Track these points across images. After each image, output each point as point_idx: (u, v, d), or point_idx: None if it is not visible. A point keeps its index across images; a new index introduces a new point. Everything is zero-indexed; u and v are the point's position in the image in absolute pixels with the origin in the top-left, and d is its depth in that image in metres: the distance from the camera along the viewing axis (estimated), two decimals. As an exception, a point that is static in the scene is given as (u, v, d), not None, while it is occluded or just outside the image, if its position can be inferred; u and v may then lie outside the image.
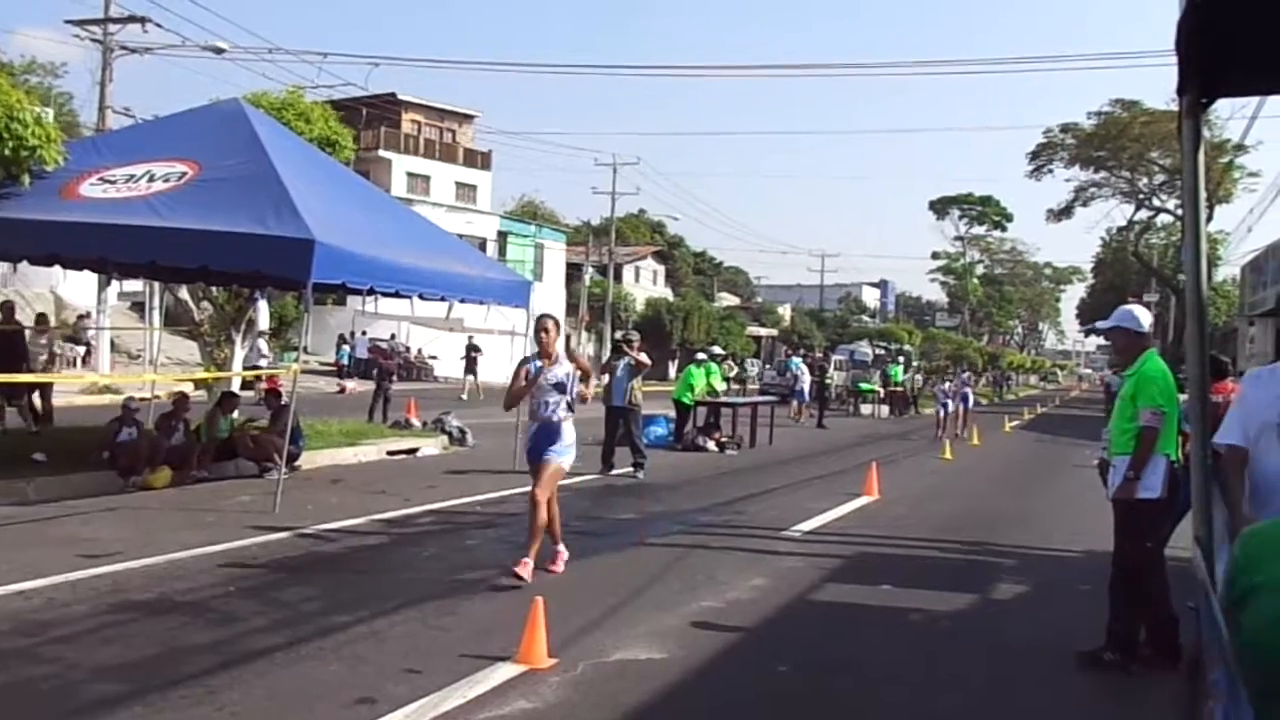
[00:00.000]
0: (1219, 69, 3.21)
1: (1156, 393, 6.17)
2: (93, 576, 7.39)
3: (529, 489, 8.12)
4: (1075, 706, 5.93)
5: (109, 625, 6.30)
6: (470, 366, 33.51)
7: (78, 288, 30.47)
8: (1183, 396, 6.12)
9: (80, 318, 31.14)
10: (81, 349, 30.75)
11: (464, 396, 30.37)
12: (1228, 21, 2.95)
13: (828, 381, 33.87)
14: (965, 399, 28.36)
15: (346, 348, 36.21)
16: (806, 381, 32.65)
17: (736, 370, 43.16)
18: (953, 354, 73.07)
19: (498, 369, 40.74)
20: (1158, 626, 6.30)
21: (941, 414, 27.54)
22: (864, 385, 40.25)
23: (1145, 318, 6.52)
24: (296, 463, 12.95)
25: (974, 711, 5.71)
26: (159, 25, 29.86)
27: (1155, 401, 6.15)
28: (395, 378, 21.61)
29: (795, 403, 31.58)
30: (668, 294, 69.67)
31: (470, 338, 34.61)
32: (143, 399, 13.31)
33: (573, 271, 59.45)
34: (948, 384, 29.61)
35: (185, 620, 6.49)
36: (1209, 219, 43.53)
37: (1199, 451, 3.70)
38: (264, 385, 15.29)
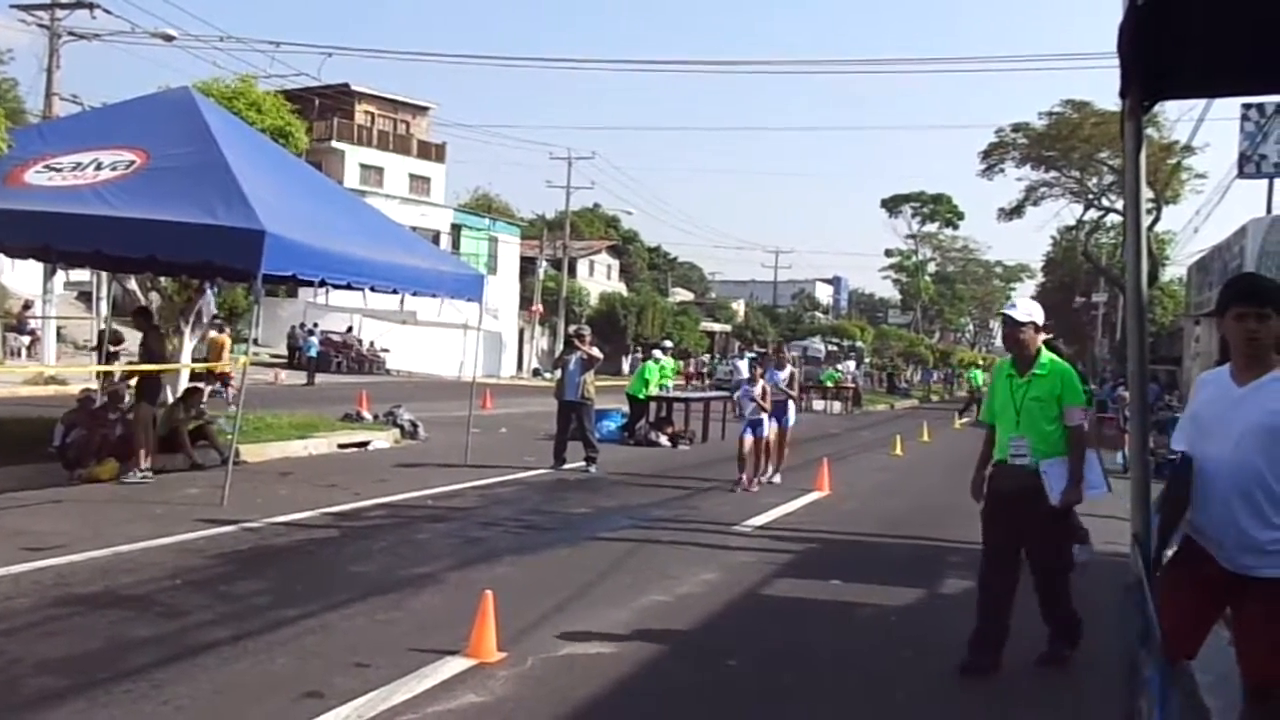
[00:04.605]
0: (1160, 72, 3.27)
1: (1080, 390, 6.19)
2: (36, 569, 7.29)
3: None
4: (1020, 700, 6.00)
5: (52, 619, 6.22)
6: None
7: (22, 276, 29.96)
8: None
9: (25, 306, 30.66)
10: (26, 339, 30.29)
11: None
12: (1169, 26, 3.01)
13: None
14: (781, 413, 14.52)
15: (313, 339, 35.08)
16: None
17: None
18: (904, 350, 73.85)
19: (450, 363, 40.65)
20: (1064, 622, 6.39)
21: (749, 438, 13.79)
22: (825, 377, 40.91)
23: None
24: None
25: (921, 704, 5.77)
26: (107, 11, 29.42)
27: (1081, 399, 6.15)
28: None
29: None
30: (622, 289, 69.65)
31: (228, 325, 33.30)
32: (88, 390, 13.09)
33: (527, 265, 59.32)
34: (759, 383, 13.89)
35: (131, 614, 6.41)
36: (1156, 220, 44.15)
37: (1137, 449, 3.77)
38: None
